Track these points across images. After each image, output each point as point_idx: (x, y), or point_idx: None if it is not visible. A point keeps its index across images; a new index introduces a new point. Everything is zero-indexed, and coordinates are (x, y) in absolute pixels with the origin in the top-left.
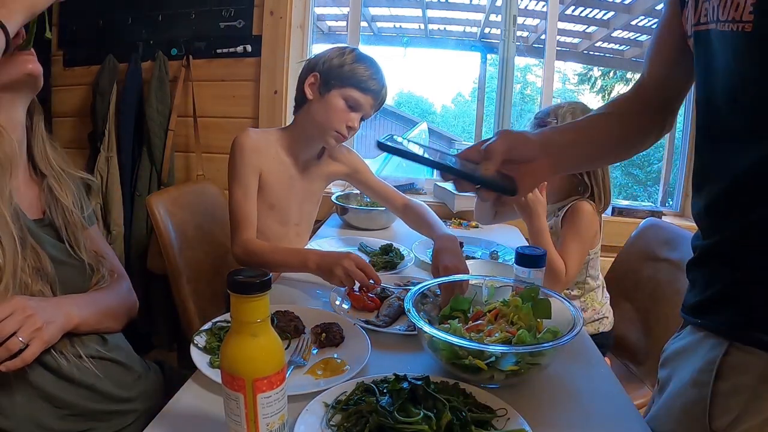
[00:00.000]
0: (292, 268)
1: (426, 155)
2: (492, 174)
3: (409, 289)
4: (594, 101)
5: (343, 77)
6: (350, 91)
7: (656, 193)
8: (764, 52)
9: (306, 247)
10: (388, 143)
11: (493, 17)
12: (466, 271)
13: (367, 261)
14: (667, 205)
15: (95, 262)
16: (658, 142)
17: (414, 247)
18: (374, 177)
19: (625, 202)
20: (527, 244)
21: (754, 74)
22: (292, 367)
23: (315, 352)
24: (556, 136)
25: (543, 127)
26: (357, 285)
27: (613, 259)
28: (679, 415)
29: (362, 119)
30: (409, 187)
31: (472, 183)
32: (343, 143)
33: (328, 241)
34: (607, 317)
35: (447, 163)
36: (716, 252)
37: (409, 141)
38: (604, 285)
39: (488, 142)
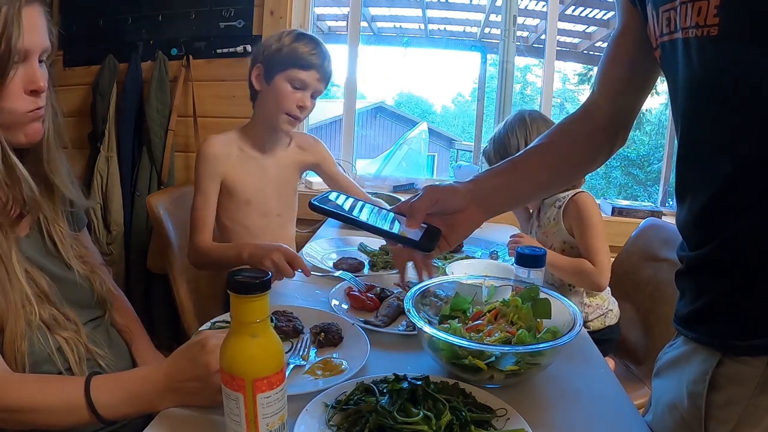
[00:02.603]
0: (231, 261)
1: (352, 215)
2: (414, 229)
3: (409, 288)
4: None
5: (283, 61)
6: (293, 72)
7: (656, 193)
8: (733, 56)
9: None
10: (320, 205)
11: (493, 17)
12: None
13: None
14: (667, 205)
15: (89, 272)
16: (657, 143)
17: None
18: (338, 170)
19: (625, 202)
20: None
21: (725, 81)
22: (292, 367)
23: (314, 352)
24: (485, 181)
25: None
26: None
27: (613, 259)
28: (674, 427)
29: (314, 96)
30: (409, 187)
31: (391, 240)
32: (314, 136)
33: (327, 242)
34: (612, 310)
35: (370, 222)
36: (703, 263)
37: (345, 198)
38: None
39: (413, 200)
